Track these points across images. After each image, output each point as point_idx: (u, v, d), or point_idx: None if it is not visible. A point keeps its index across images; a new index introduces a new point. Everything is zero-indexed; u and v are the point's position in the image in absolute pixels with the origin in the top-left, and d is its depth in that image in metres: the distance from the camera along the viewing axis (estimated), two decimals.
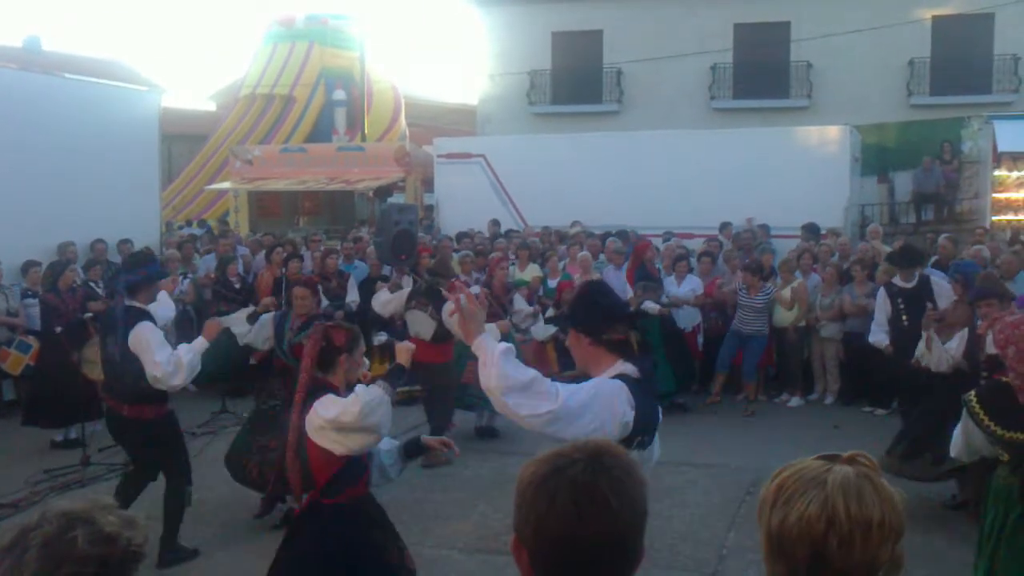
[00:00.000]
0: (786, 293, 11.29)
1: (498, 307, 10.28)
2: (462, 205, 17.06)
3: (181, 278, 12.12)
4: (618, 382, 3.34)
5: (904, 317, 9.19)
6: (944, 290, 9.01)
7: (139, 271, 6.57)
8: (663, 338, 10.69)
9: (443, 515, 7.51)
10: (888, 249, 11.47)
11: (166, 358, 6.19)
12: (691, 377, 11.38)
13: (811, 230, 13.67)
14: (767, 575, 1.73)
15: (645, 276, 11.02)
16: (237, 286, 12.17)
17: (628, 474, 1.66)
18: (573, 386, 3.29)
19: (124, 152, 13.16)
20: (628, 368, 3.43)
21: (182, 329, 11.09)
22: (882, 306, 9.51)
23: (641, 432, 3.36)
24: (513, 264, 12.53)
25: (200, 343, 6.42)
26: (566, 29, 25.69)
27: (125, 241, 12.48)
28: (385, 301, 9.80)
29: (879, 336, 9.46)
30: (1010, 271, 10.07)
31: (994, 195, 15.57)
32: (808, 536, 1.61)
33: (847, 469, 1.67)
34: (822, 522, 1.60)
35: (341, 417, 4.17)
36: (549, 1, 25.59)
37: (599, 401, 3.24)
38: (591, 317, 3.53)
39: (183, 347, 6.38)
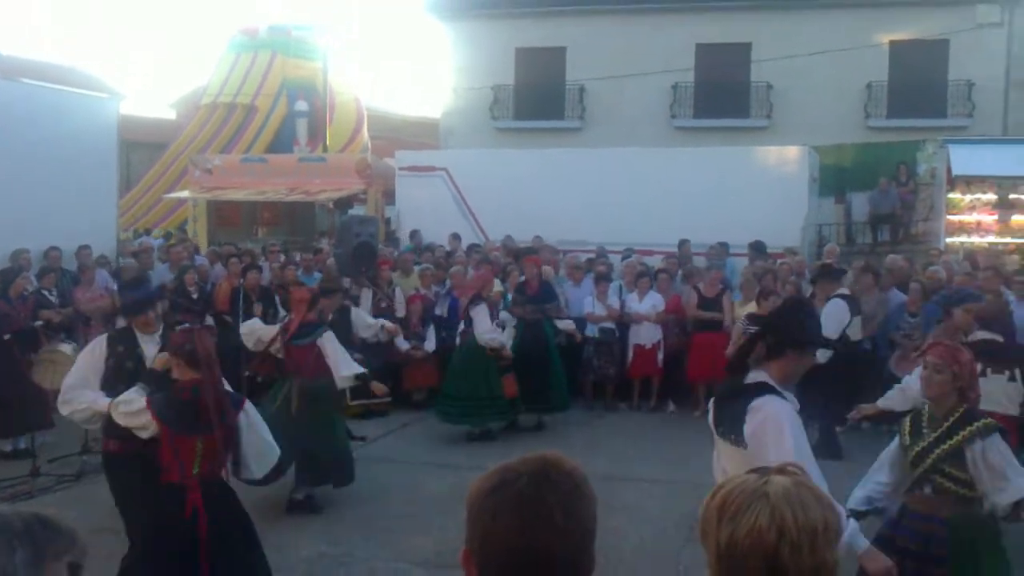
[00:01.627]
0: (748, 311, 11.37)
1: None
2: (423, 218, 17.01)
3: None
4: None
5: None
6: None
7: (137, 290, 6.57)
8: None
9: (401, 529, 7.46)
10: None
11: (71, 383, 5.84)
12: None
13: (758, 248, 13.76)
14: None
15: (551, 293, 11.27)
16: (195, 296, 12.03)
17: (575, 488, 1.67)
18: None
19: (81, 159, 12.97)
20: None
21: None
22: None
23: None
24: None
25: (104, 404, 5.60)
26: (529, 45, 25.77)
27: (85, 247, 12.30)
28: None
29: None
30: None
31: (948, 217, 15.82)
32: (760, 548, 1.64)
33: (784, 479, 1.71)
34: (772, 532, 1.63)
35: None
36: (513, 17, 25.69)
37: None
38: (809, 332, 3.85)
39: (93, 394, 5.78)
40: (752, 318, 4.43)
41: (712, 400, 3.98)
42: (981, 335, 6.42)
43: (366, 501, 8.19)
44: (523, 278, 11.47)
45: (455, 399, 10.42)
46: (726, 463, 3.73)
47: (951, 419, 4.33)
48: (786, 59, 23.06)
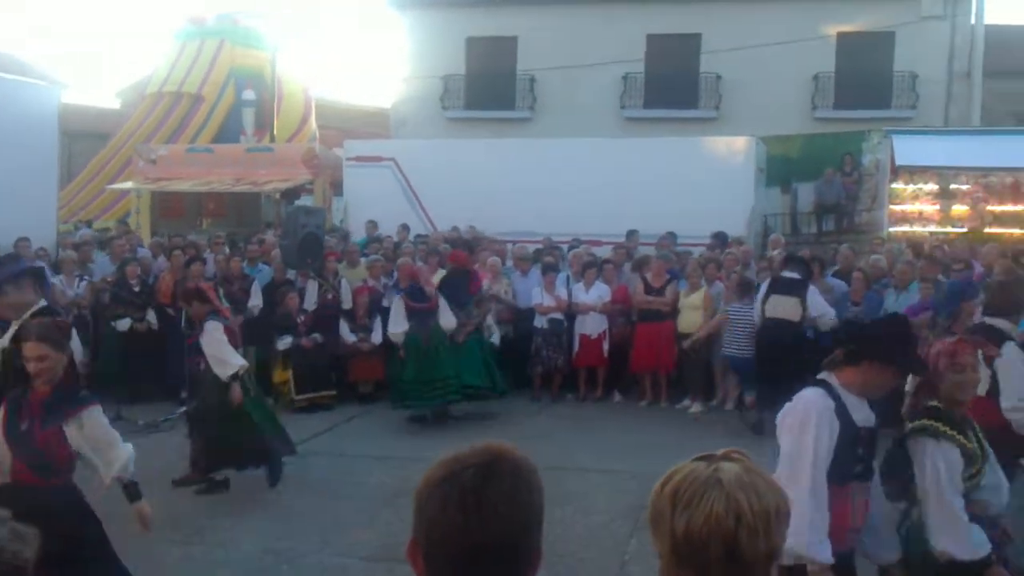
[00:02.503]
0: (694, 300, 11.45)
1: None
2: (371, 209, 16.89)
3: (78, 280, 11.78)
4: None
5: None
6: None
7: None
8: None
9: (346, 523, 7.40)
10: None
11: None
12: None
13: (720, 238, 13.88)
14: None
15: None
16: (137, 288, 11.83)
17: (522, 479, 1.67)
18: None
19: (21, 149, 12.72)
20: None
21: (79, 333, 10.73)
22: None
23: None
24: None
25: None
26: (480, 35, 25.70)
27: (23, 239, 12.04)
28: None
29: None
30: (904, 281, 10.41)
31: (891, 207, 16.01)
32: (720, 534, 1.65)
33: (733, 466, 1.73)
34: (730, 519, 1.65)
35: None
36: (464, 6, 25.58)
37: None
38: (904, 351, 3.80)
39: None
40: (845, 324, 4.47)
41: None
42: (988, 322, 6.11)
43: (311, 495, 8.12)
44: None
45: (420, 383, 10.54)
46: None
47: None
48: (735, 50, 23.22)
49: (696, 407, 11.49)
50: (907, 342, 3.88)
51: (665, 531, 1.72)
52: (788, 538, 3.40)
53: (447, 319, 10.65)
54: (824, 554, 3.47)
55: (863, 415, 3.70)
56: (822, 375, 3.79)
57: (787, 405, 3.70)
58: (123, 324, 11.41)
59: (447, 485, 1.64)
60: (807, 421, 3.58)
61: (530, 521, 1.67)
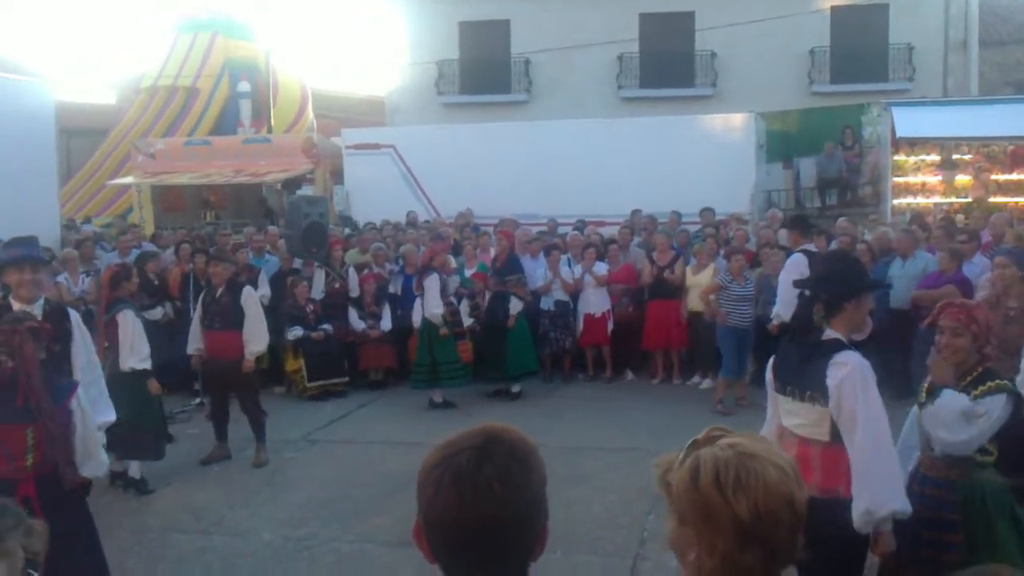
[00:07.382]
0: (702, 277, 11.40)
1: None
2: (373, 196, 16.89)
3: (83, 276, 11.74)
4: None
5: None
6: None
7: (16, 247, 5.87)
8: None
9: (362, 510, 7.42)
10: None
11: None
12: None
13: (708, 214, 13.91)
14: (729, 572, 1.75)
15: (516, 266, 11.34)
16: (156, 283, 11.75)
17: (516, 460, 1.68)
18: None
19: (18, 147, 12.69)
20: None
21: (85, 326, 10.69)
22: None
23: None
24: None
25: None
26: (473, 19, 25.62)
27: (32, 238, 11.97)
28: None
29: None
30: (906, 248, 10.44)
31: (894, 179, 15.98)
32: (784, 499, 1.70)
33: (740, 439, 1.78)
34: (787, 481, 1.71)
35: None
36: None
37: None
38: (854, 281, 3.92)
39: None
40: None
41: (773, 362, 4.11)
42: None
43: (327, 483, 8.15)
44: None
45: (420, 366, 10.79)
46: (792, 421, 3.88)
47: (968, 379, 4.15)
48: (729, 27, 23.14)
49: (707, 383, 11.50)
50: (860, 265, 4.08)
51: (724, 520, 1.71)
52: (886, 502, 3.49)
53: (428, 302, 10.75)
54: (908, 506, 3.71)
55: None
56: (831, 334, 3.82)
57: (843, 372, 3.68)
58: (155, 313, 11.24)
59: (442, 468, 1.66)
60: (867, 381, 3.65)
61: (527, 501, 1.67)
